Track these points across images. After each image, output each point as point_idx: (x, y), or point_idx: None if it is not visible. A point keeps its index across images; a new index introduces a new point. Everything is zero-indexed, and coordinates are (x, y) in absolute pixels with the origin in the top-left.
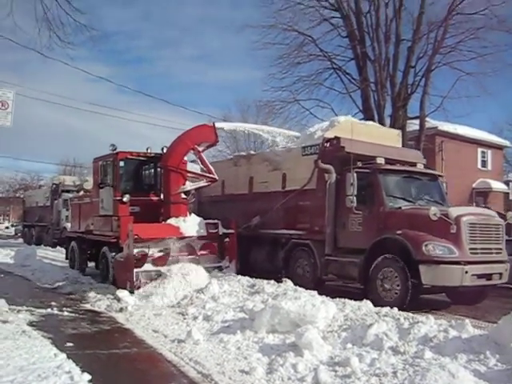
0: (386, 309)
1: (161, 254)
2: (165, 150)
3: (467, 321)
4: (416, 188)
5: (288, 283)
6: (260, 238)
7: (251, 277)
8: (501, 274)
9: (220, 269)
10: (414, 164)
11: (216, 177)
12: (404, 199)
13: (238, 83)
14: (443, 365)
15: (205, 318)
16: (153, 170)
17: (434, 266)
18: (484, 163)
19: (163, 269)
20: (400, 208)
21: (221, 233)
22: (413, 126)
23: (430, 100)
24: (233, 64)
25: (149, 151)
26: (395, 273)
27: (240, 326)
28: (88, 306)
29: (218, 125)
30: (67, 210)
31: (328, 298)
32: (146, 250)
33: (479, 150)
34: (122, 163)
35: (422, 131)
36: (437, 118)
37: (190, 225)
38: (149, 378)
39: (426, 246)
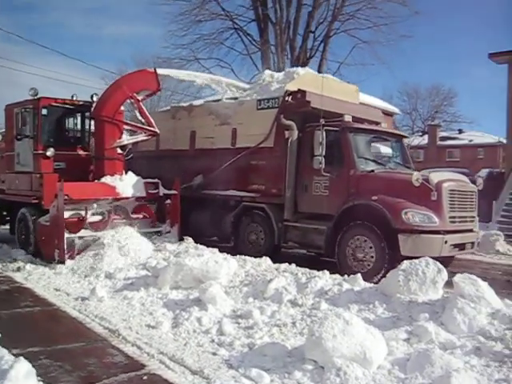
0: (285, 265)
1: (98, 217)
2: (94, 98)
3: (359, 275)
4: (382, 150)
5: (189, 241)
6: (203, 200)
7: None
8: (473, 243)
9: (159, 234)
10: (377, 123)
11: (157, 130)
12: (375, 161)
13: (135, 39)
14: (339, 313)
15: (107, 276)
16: (80, 121)
17: (414, 236)
18: None
19: (101, 234)
20: (373, 171)
21: (161, 194)
22: None
23: (328, 65)
24: (131, 19)
25: (74, 98)
26: (369, 242)
27: (143, 283)
28: None
29: (160, 71)
30: None
31: (229, 255)
32: (83, 213)
33: None
34: (44, 111)
35: None
36: None
37: (128, 184)
38: (56, 335)
39: (405, 213)
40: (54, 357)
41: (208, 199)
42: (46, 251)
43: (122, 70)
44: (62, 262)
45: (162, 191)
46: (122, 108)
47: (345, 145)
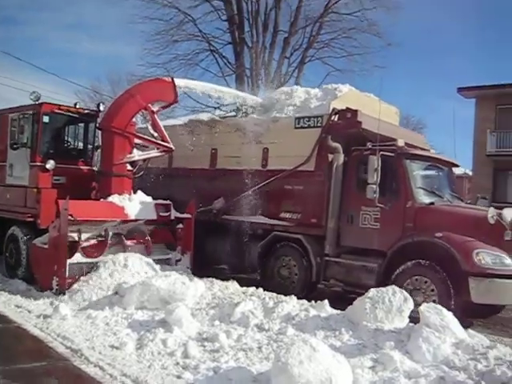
0: (252, 288)
1: (95, 240)
2: (101, 107)
3: (326, 301)
4: (438, 179)
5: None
6: (223, 226)
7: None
8: None
9: (168, 263)
10: (427, 150)
11: (172, 146)
12: (433, 193)
13: (110, 56)
14: (306, 339)
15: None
16: (83, 132)
17: (487, 281)
18: None
19: (99, 260)
20: (433, 203)
21: (173, 217)
22: None
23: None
24: (107, 37)
25: (78, 106)
26: (431, 285)
27: (108, 302)
28: None
29: (177, 81)
30: None
31: (196, 277)
32: (75, 236)
33: None
34: (46, 118)
35: None
36: None
37: (137, 205)
38: (15, 354)
39: (477, 254)
40: (12, 377)
41: (230, 225)
42: (42, 278)
43: (95, 86)
44: (62, 292)
45: (174, 214)
46: (134, 120)
47: (401, 173)
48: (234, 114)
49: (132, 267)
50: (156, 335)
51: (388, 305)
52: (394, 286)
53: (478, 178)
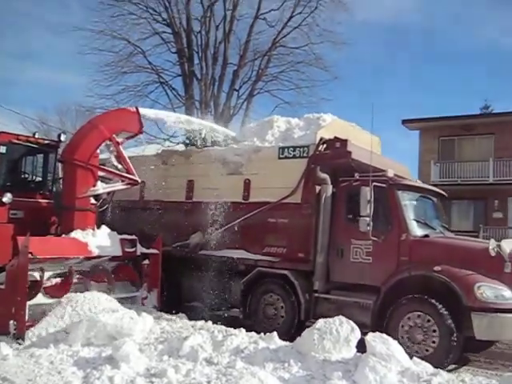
0: (201, 322)
1: (59, 279)
2: (62, 138)
3: (275, 333)
4: (428, 210)
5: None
6: (201, 262)
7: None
8: None
9: (134, 301)
10: (413, 181)
11: (138, 179)
12: (426, 224)
13: (58, 86)
14: (254, 372)
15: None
16: (42, 163)
17: (491, 316)
18: None
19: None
20: (427, 236)
21: (139, 253)
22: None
23: (250, 123)
24: (56, 66)
25: (37, 136)
26: (431, 321)
27: (53, 340)
28: None
29: (142, 111)
30: None
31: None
32: (37, 275)
33: None
34: (2, 149)
35: None
36: None
37: (101, 241)
38: None
39: (478, 288)
40: None
41: (208, 261)
42: None
43: (42, 117)
44: (21, 337)
45: (140, 250)
46: (98, 151)
47: (394, 204)
48: (183, 145)
49: (82, 304)
50: (103, 372)
51: (336, 335)
52: (341, 317)
53: None
